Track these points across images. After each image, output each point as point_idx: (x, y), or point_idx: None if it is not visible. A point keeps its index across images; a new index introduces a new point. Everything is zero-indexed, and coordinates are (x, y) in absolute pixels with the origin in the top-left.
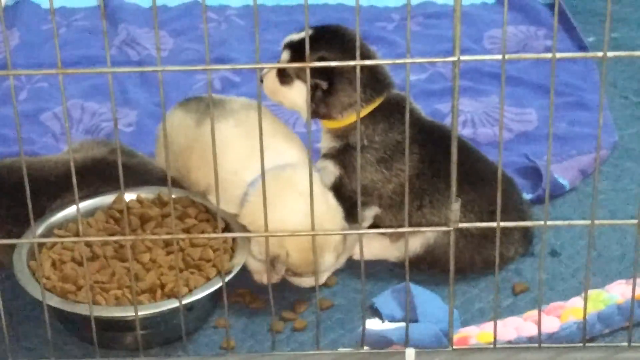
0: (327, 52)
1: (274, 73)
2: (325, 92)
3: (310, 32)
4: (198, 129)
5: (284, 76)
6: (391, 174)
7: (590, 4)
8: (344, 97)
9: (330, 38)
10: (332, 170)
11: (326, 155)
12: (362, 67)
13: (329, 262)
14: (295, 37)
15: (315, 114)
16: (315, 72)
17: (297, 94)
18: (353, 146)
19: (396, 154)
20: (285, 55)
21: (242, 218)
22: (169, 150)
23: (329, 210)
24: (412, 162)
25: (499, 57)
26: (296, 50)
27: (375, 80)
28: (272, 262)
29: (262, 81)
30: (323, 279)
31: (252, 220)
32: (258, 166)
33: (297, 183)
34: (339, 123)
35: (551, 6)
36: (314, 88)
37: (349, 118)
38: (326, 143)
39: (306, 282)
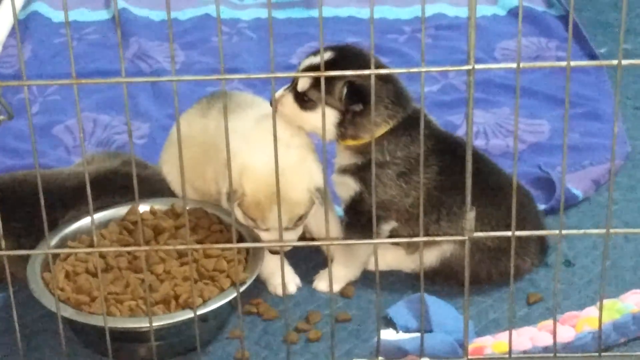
0: (354, 77)
1: (291, 99)
2: (356, 114)
3: (329, 54)
4: (204, 118)
5: (305, 101)
6: (410, 188)
7: (601, 16)
8: (377, 119)
9: (355, 61)
10: (352, 186)
11: (345, 171)
12: (388, 85)
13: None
14: (314, 60)
15: (343, 136)
16: (349, 97)
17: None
18: (376, 162)
19: (416, 167)
20: (306, 80)
21: None
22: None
23: (289, 151)
24: (430, 174)
25: (514, 65)
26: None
27: (400, 96)
28: (228, 196)
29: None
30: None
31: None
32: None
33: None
34: (362, 140)
35: (562, 18)
36: (344, 113)
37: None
38: (345, 160)
39: (265, 237)
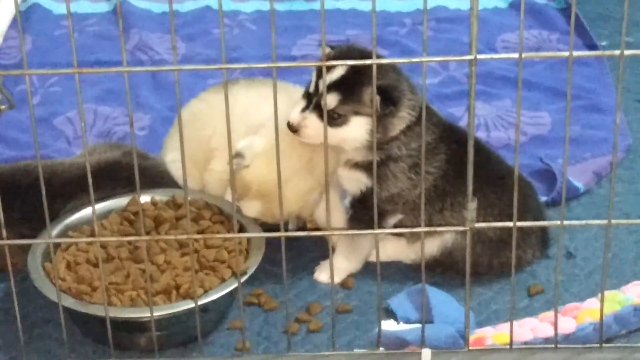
0: (383, 80)
1: (315, 119)
2: (386, 115)
3: (342, 69)
4: (217, 94)
5: (334, 118)
6: (419, 179)
7: (602, 9)
8: (403, 113)
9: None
10: (364, 181)
11: (357, 166)
12: (403, 77)
13: (250, 209)
14: (332, 76)
15: (372, 139)
16: (383, 102)
17: (356, 130)
18: (393, 157)
19: (427, 157)
20: (333, 98)
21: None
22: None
23: (308, 178)
24: (439, 163)
25: (516, 55)
26: (346, 88)
27: (413, 87)
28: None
29: (290, 127)
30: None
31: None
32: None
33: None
34: (387, 139)
35: (564, 11)
36: (380, 116)
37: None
38: (359, 156)
39: (243, 206)
